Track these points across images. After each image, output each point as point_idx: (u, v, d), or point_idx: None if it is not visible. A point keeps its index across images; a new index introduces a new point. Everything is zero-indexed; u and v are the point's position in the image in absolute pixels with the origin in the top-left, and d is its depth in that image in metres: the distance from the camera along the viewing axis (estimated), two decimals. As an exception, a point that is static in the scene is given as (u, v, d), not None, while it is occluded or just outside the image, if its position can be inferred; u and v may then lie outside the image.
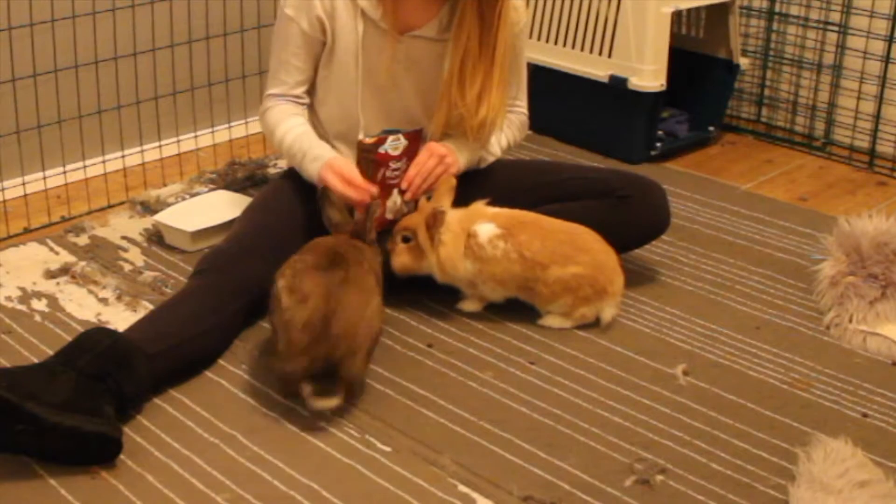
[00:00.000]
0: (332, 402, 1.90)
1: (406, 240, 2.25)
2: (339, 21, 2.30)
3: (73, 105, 2.89)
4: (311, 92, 2.42)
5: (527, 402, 2.04)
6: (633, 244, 2.51)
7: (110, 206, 2.84)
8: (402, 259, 2.25)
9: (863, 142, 3.35)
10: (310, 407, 1.92)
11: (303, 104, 2.41)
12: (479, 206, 2.30)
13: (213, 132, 3.21)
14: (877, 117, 3.29)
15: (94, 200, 2.86)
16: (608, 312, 2.28)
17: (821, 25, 3.38)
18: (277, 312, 1.94)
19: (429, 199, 2.29)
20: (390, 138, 2.27)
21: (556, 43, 3.30)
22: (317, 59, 2.36)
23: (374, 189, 2.22)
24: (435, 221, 2.21)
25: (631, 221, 2.42)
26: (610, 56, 3.17)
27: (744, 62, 3.37)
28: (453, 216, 2.25)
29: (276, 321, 1.96)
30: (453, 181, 2.29)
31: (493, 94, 2.27)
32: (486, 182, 2.45)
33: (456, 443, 1.91)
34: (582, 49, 3.25)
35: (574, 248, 2.24)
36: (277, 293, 1.95)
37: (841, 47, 3.35)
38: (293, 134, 2.33)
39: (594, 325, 2.30)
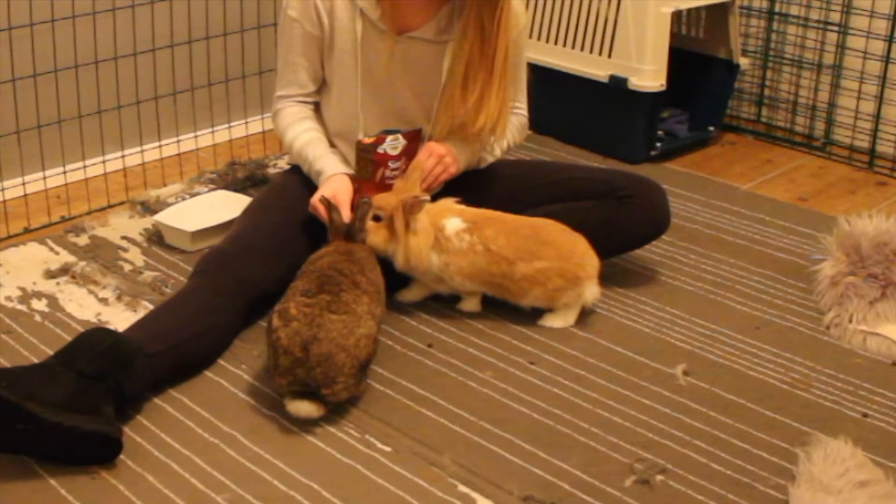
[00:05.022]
0: (310, 412, 1.92)
1: (377, 219, 2.21)
2: (338, 20, 2.30)
3: (73, 105, 2.89)
4: (321, 90, 2.42)
5: (527, 402, 2.04)
6: (634, 244, 2.51)
7: (110, 206, 2.84)
8: (371, 238, 2.20)
9: (863, 142, 3.35)
10: (288, 410, 1.94)
11: (311, 103, 2.42)
12: (447, 203, 2.29)
13: (213, 132, 3.21)
14: (877, 117, 3.29)
15: (94, 200, 2.86)
16: (589, 294, 2.27)
17: (821, 25, 3.38)
18: (268, 331, 1.97)
19: (433, 200, 2.29)
20: (389, 138, 2.27)
21: (556, 43, 3.30)
22: (322, 56, 2.36)
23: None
24: (413, 208, 2.18)
25: (631, 222, 2.42)
26: (610, 56, 3.17)
27: (744, 62, 3.37)
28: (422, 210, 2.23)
29: (267, 339, 1.98)
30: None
31: (491, 102, 2.27)
32: (485, 182, 2.45)
33: (456, 443, 1.91)
34: (582, 49, 3.25)
35: (538, 243, 2.24)
36: (271, 314, 1.97)
37: (841, 47, 3.35)
38: (301, 141, 2.36)
39: (594, 325, 2.31)
